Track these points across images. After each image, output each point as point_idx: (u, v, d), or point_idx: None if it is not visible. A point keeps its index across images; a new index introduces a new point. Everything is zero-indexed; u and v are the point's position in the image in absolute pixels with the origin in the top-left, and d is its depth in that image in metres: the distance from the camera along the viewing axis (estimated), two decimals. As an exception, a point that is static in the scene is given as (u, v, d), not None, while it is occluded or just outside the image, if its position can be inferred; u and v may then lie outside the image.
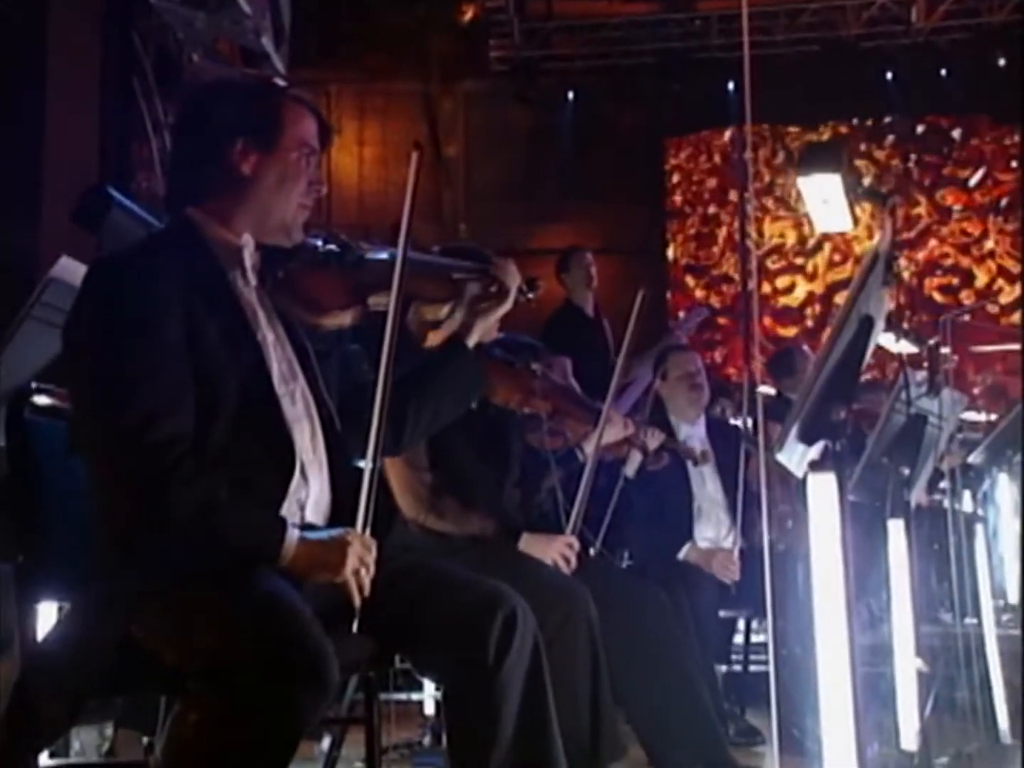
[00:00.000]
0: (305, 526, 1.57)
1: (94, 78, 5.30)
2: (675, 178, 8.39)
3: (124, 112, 5.54)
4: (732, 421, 3.90)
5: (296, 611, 1.38)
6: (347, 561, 1.48)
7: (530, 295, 1.85)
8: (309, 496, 1.58)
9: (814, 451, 1.73)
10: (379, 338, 1.56)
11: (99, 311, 1.48)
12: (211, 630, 1.37)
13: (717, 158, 8.26)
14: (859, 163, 7.94)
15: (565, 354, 3.17)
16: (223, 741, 1.30)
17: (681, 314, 7.27)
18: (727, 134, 7.52)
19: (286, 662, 1.31)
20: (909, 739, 2.62)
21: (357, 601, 1.50)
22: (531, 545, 2.34)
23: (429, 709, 3.14)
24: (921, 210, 7.96)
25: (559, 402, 2.43)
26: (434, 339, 2.12)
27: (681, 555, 3.25)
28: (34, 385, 1.76)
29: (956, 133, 7.94)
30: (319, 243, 1.66)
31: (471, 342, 1.80)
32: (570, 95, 8.25)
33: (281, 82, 1.69)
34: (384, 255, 1.63)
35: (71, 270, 1.90)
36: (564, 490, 2.50)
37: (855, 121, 8.07)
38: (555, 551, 2.34)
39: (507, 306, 1.81)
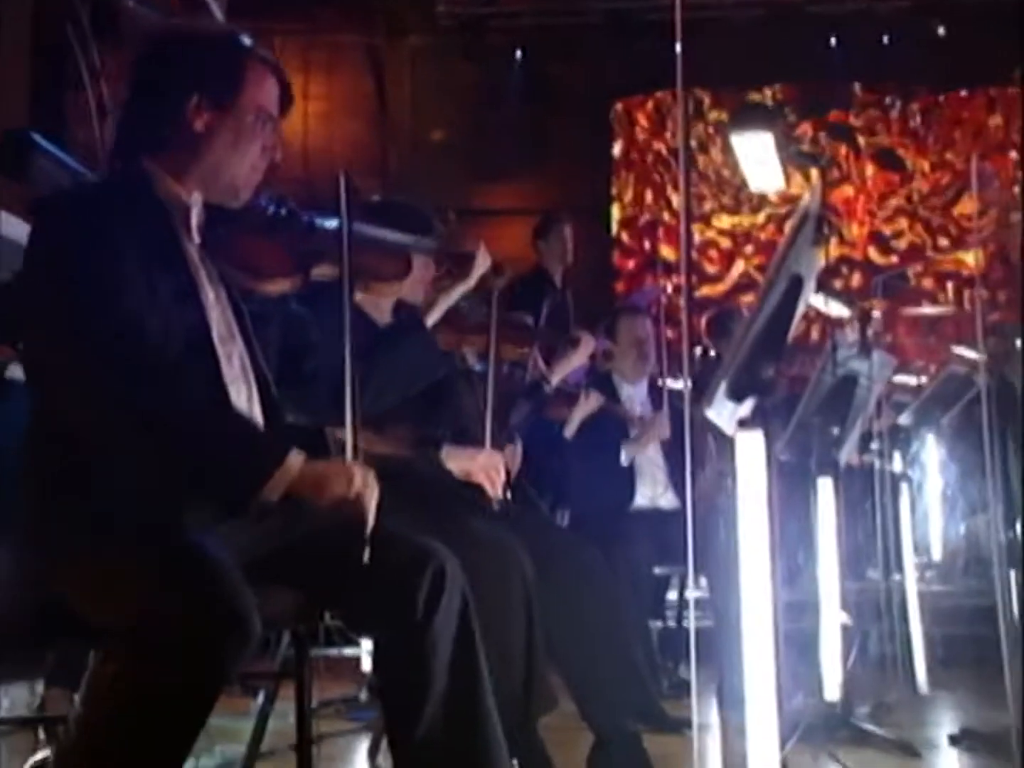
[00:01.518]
0: None
1: (25, 25, 5.11)
2: (622, 139, 8.38)
3: (58, 61, 5.37)
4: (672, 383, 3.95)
5: (216, 562, 1.37)
6: (356, 476, 1.46)
7: (497, 281, 1.85)
8: None
9: (745, 409, 1.75)
10: (328, 308, 1.54)
11: (63, 236, 1.45)
12: (128, 581, 1.36)
13: (664, 119, 8.26)
14: (799, 127, 8.00)
15: None
16: (140, 692, 1.29)
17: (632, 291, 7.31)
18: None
19: (204, 613, 1.30)
20: (832, 690, 2.71)
21: (372, 520, 1.48)
22: (454, 457, 2.24)
23: (366, 665, 3.16)
24: (859, 174, 8.05)
25: (500, 330, 2.37)
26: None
27: (624, 459, 3.29)
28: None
29: (895, 100, 8.02)
30: (267, 207, 1.63)
31: (430, 320, 1.80)
32: (518, 53, 8.17)
33: (248, 39, 1.63)
34: (334, 225, 1.60)
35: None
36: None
37: (797, 85, 8.12)
38: (479, 465, 2.22)
39: (468, 285, 1.81)
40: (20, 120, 4.78)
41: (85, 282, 1.42)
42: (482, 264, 1.79)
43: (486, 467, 2.24)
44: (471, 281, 1.80)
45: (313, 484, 1.45)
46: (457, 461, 2.25)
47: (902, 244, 7.99)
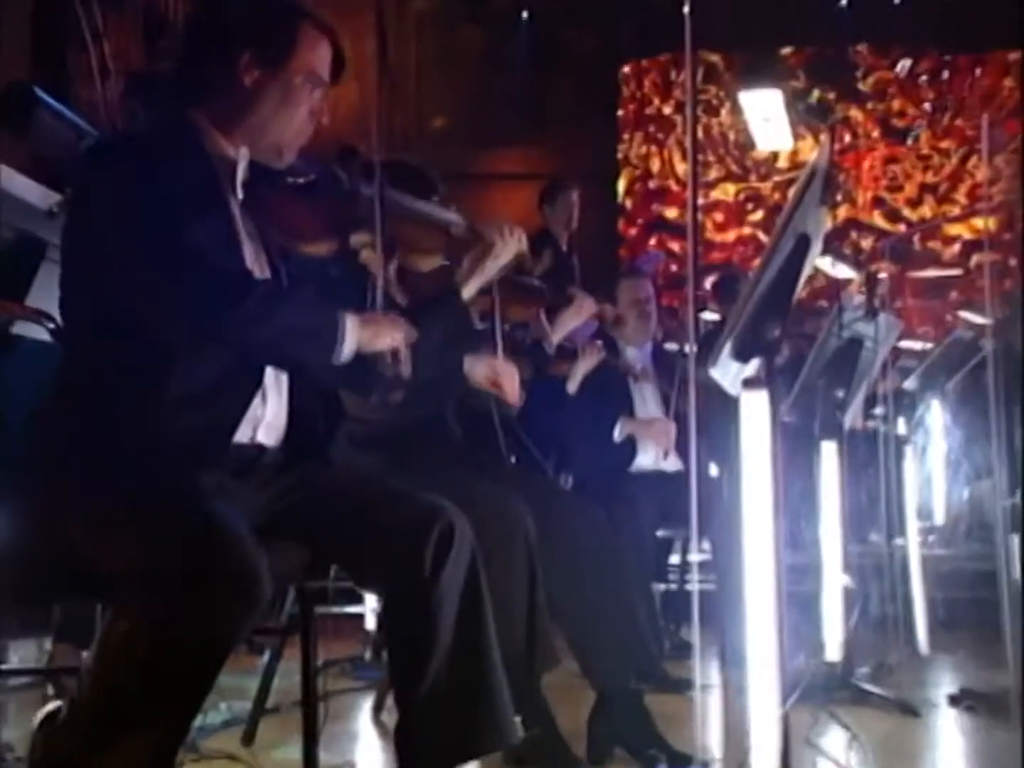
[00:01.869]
0: (257, 446, 1.58)
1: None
2: (629, 103, 8.31)
3: (60, 21, 5.32)
4: (673, 346, 3.94)
5: (229, 523, 1.39)
6: (400, 322, 1.58)
7: (537, 264, 1.87)
8: (264, 417, 1.59)
9: (750, 369, 1.74)
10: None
11: (120, 177, 1.47)
12: (145, 539, 1.38)
13: (672, 83, 8.19)
14: (807, 87, 7.94)
15: None
16: (151, 650, 1.31)
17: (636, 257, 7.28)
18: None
19: (216, 574, 1.32)
20: (833, 651, 2.73)
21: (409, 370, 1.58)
22: (475, 366, 2.30)
23: (370, 624, 3.19)
24: (867, 138, 7.99)
25: (503, 295, 2.38)
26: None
27: (618, 434, 3.33)
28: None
29: (905, 64, 7.95)
30: (309, 170, 1.64)
31: (466, 293, 1.81)
32: (524, 16, 8.09)
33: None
34: (376, 194, 1.62)
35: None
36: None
37: (808, 48, 8.04)
38: (496, 372, 2.29)
39: (498, 262, 1.83)
40: (23, 79, 4.74)
41: (151, 214, 1.44)
42: (513, 244, 1.82)
43: (503, 371, 2.30)
44: (501, 259, 1.82)
45: (372, 333, 1.54)
46: (479, 368, 2.30)
47: (909, 208, 7.95)
